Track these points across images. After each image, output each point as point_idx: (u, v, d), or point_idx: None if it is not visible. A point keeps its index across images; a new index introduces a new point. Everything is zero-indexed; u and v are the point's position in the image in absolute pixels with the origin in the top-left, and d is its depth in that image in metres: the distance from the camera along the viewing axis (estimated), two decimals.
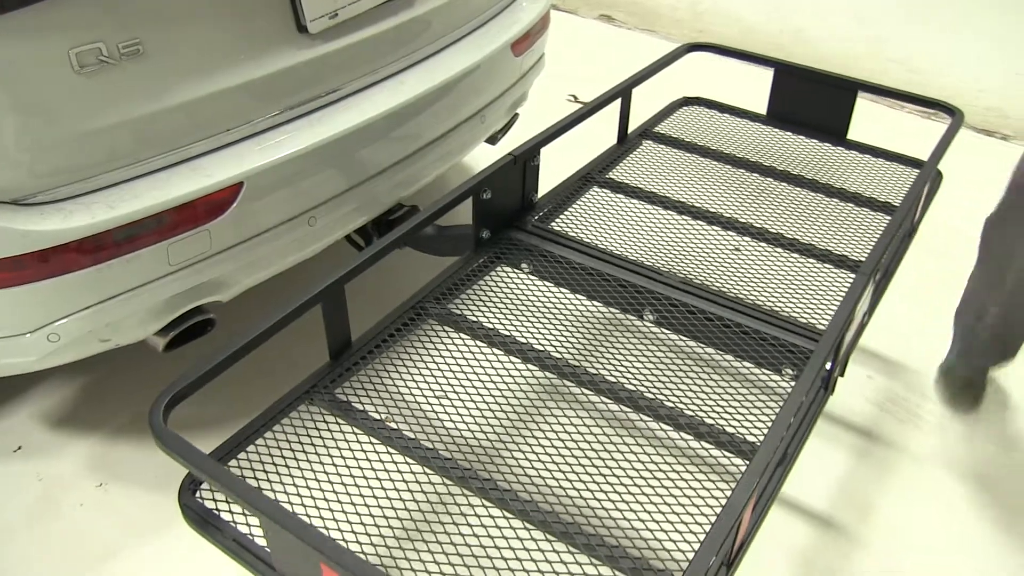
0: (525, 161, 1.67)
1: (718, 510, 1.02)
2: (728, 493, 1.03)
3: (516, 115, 2.26)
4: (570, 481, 1.35)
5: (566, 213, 1.82)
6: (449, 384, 1.41)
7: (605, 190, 1.91)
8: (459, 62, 1.84)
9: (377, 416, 1.33)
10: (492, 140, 2.26)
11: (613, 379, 1.42)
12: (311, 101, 1.60)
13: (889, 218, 1.82)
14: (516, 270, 1.66)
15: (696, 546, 1.03)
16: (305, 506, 1.21)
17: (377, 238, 1.94)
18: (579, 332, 1.66)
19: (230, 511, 1.17)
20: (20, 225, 1.29)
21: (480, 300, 1.59)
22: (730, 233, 1.80)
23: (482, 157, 2.36)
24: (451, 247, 1.75)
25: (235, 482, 1.02)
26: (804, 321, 1.54)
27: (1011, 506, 1.76)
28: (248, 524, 1.14)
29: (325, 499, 1.22)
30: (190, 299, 1.52)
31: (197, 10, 1.38)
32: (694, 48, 2.13)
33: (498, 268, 1.66)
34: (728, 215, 1.83)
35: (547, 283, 1.64)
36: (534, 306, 1.60)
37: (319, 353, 1.40)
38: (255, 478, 1.24)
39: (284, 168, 1.52)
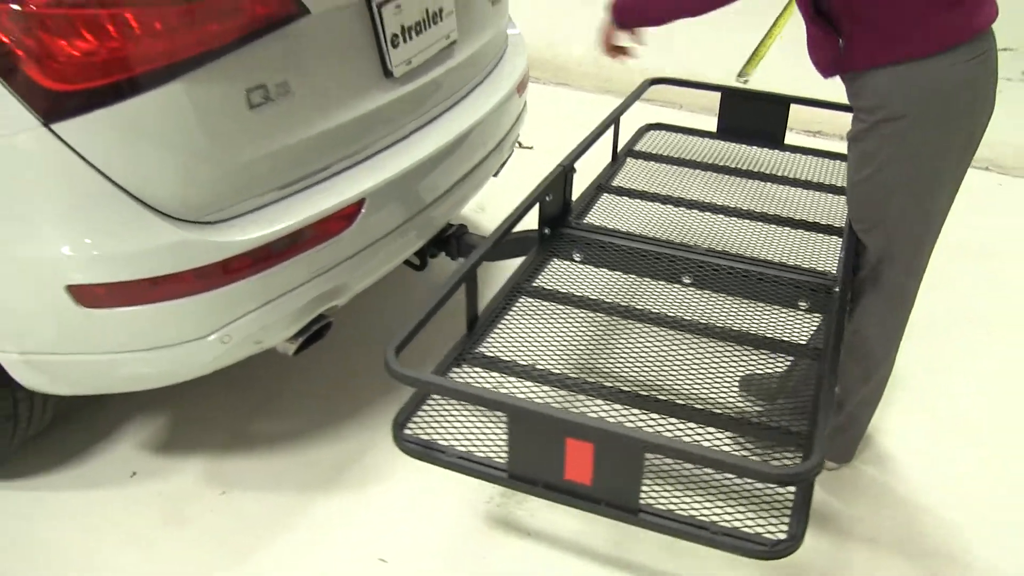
0: (567, 170, 2.05)
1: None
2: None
3: (514, 148, 2.64)
4: (660, 382, 1.70)
5: (593, 212, 2.21)
6: (558, 335, 1.75)
7: (614, 195, 2.31)
8: (489, 100, 2.20)
9: (522, 362, 1.65)
10: (496, 172, 2.62)
11: (671, 315, 1.81)
12: (399, 131, 1.92)
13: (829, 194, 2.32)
14: (571, 260, 2.02)
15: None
16: (495, 429, 1.51)
17: (431, 256, 2.25)
18: (636, 293, 2.03)
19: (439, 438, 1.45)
20: (214, 237, 1.54)
21: (554, 279, 1.95)
22: (719, 216, 2.24)
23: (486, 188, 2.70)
24: (521, 248, 2.07)
25: (475, 388, 1.32)
26: (807, 266, 1.98)
27: None
28: (464, 444, 1.42)
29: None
30: (321, 303, 1.78)
31: (320, 58, 1.69)
32: (655, 82, 2.59)
33: (559, 256, 2.02)
34: (718, 203, 2.28)
35: (601, 267, 2.01)
36: (598, 280, 1.96)
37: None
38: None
39: (391, 187, 1.82)
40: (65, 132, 1.39)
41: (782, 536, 1.27)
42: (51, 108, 1.38)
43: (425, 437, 1.47)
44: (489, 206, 3.00)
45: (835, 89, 1.73)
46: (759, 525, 1.35)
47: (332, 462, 2.03)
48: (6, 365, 1.63)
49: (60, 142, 1.40)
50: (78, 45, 1.36)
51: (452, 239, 2.21)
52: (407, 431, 1.47)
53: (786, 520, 1.32)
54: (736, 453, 1.52)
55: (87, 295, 1.50)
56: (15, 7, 1.32)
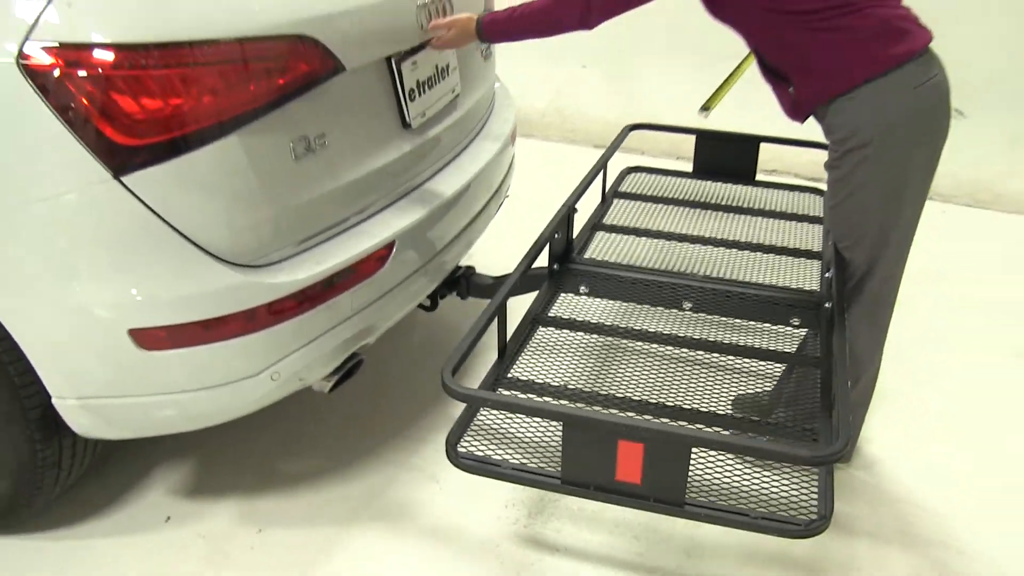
0: (571, 211, 2.21)
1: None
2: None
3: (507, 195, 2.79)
4: (675, 389, 1.84)
5: (592, 248, 2.37)
6: (578, 358, 1.88)
7: (608, 232, 2.48)
8: (490, 148, 2.37)
9: (553, 383, 1.78)
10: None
11: (680, 336, 1.97)
12: (416, 179, 2.06)
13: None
14: (577, 293, 2.18)
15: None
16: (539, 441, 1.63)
17: (440, 298, 2.38)
18: (644, 319, 2.18)
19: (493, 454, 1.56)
20: (265, 280, 1.64)
21: (567, 310, 2.09)
22: (705, 246, 2.42)
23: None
24: (534, 283, 2.21)
25: (532, 402, 1.44)
26: (794, 286, 2.16)
27: None
28: (517, 456, 1.54)
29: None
30: (356, 341, 1.89)
31: (351, 111, 1.82)
32: (635, 127, 2.79)
33: (566, 290, 2.17)
34: (701, 234, 2.46)
35: (606, 298, 2.17)
36: (606, 309, 2.11)
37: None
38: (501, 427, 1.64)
39: (416, 229, 1.96)
40: (133, 184, 1.50)
41: (814, 517, 1.42)
42: (120, 162, 1.48)
43: (479, 454, 1.58)
44: (474, 250, 3.15)
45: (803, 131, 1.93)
46: (790, 510, 1.50)
47: (360, 497, 2.11)
48: (62, 411, 1.69)
49: (128, 193, 1.50)
50: (144, 103, 1.48)
51: (462, 279, 2.34)
52: (461, 449, 1.58)
53: (812, 504, 1.46)
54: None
55: (148, 338, 1.59)
56: (85, 70, 1.43)
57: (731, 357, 1.96)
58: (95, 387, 1.65)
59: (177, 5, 1.50)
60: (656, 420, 1.65)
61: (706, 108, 2.47)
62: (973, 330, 2.83)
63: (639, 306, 2.19)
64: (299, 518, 2.05)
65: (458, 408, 2.32)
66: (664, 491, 1.43)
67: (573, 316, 2.08)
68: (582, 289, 2.19)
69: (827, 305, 1.99)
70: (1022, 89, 3.63)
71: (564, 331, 2.03)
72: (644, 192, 2.72)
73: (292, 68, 1.64)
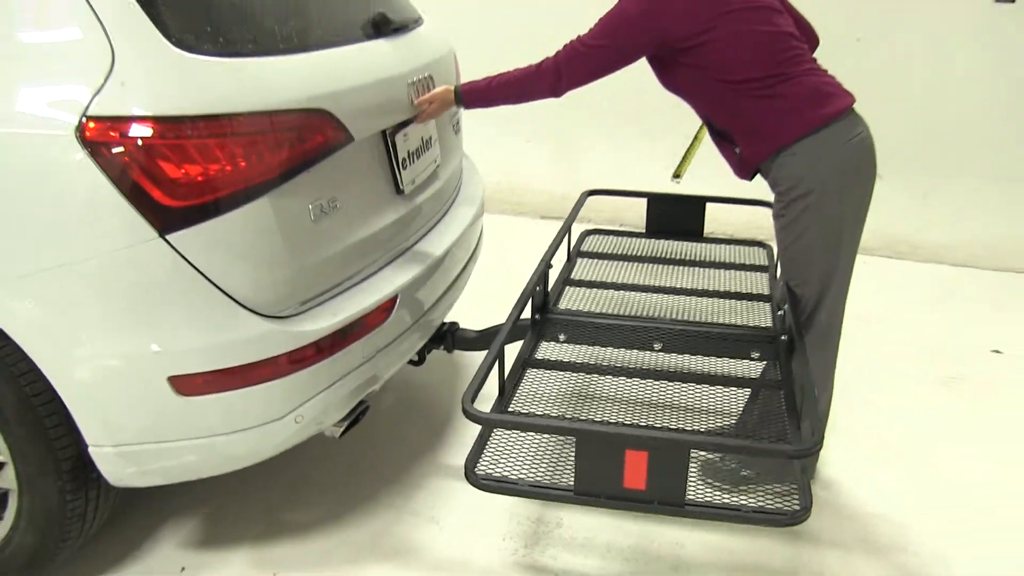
0: (547, 267, 2.44)
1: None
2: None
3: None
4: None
5: (564, 301, 2.59)
6: (567, 394, 2.08)
7: (576, 287, 2.71)
8: (466, 213, 2.59)
9: (551, 412, 1.97)
10: None
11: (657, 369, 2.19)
12: (408, 241, 2.26)
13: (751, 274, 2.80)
14: (557, 340, 2.39)
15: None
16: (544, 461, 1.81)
17: (427, 353, 2.55)
18: (620, 359, 2.39)
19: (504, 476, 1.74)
20: (290, 328, 1.81)
21: (552, 354, 2.29)
22: (664, 295, 2.67)
23: None
24: (520, 333, 2.40)
25: (547, 419, 1.63)
26: (752, 324, 2.42)
27: None
28: (528, 474, 1.71)
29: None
30: (365, 388, 2.05)
31: (356, 178, 2.03)
32: (592, 193, 3.06)
33: (547, 338, 2.38)
34: (660, 284, 2.71)
35: (583, 343, 2.38)
36: (586, 353, 2.33)
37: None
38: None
39: (413, 286, 2.15)
40: (176, 241, 1.66)
41: (797, 508, 1.63)
42: (166, 222, 1.65)
43: (496, 475, 1.75)
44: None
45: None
46: (775, 504, 1.70)
47: (365, 541, 2.23)
48: (98, 459, 1.80)
49: (171, 250, 1.66)
50: (186, 169, 1.65)
51: (447, 334, 2.53)
52: (477, 471, 1.75)
53: (794, 499, 1.68)
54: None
55: (187, 384, 1.73)
56: (135, 140, 1.60)
57: (702, 386, 2.18)
58: (133, 434, 1.77)
59: (213, 82, 1.70)
60: (658, 429, 1.85)
61: (676, 176, 2.74)
62: (903, 365, 3.14)
63: (617, 350, 2.40)
64: (310, 563, 2.16)
65: (444, 456, 2.51)
66: (667, 494, 1.62)
67: (560, 358, 2.29)
68: (561, 337, 2.39)
69: (783, 337, 2.24)
70: (929, 152, 4.07)
71: (552, 371, 2.23)
72: (604, 251, 2.97)
73: (311, 138, 1.84)
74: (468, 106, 2.21)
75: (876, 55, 4.00)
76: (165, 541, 2.22)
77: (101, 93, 1.61)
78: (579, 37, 2.04)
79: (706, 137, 2.33)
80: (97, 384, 1.72)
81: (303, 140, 1.82)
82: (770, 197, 2.16)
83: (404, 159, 2.21)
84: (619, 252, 2.97)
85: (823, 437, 1.58)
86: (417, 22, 2.50)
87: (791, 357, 2.17)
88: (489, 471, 1.79)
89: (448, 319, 2.59)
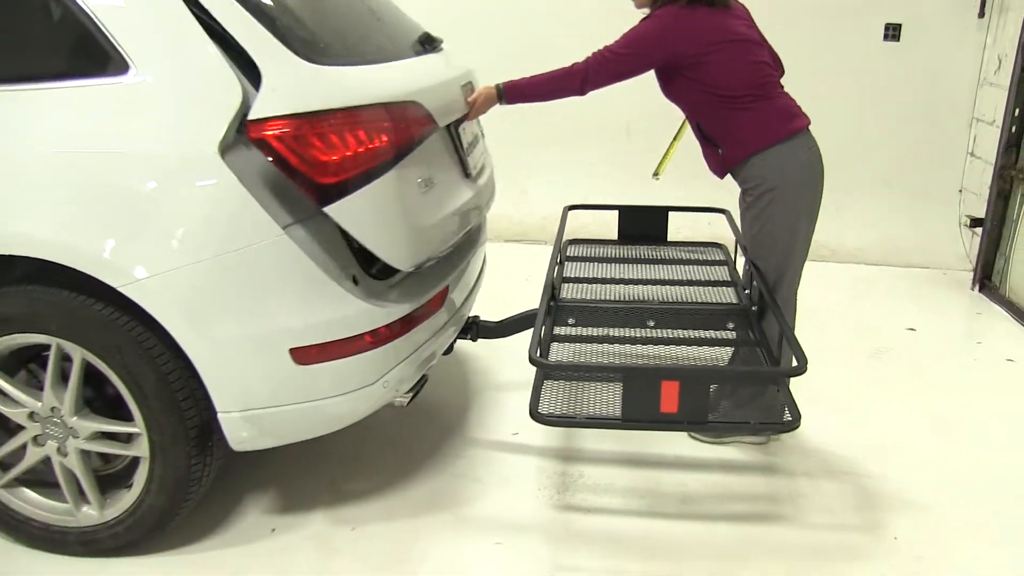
0: (557, 265, 2.92)
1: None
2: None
3: None
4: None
5: (564, 293, 3.08)
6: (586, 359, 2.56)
7: (570, 283, 3.20)
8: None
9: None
10: None
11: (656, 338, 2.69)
12: (474, 220, 2.69)
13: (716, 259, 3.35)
14: (567, 325, 2.86)
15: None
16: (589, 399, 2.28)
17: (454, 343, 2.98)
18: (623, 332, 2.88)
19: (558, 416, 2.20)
20: (384, 306, 2.22)
21: (568, 332, 2.77)
22: (647, 286, 3.18)
23: None
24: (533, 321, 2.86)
25: (598, 363, 2.09)
26: (726, 301, 2.95)
27: None
28: (581, 413, 2.17)
29: None
30: (427, 363, 2.47)
31: (440, 159, 2.45)
32: (571, 208, 3.57)
33: (560, 322, 2.85)
34: (640, 278, 3.22)
35: (590, 326, 2.86)
36: (593, 330, 2.81)
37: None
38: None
39: (456, 277, 2.60)
40: (332, 212, 2.07)
41: (789, 419, 2.13)
42: (322, 196, 2.05)
43: (558, 413, 2.20)
44: None
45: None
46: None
47: (423, 498, 2.63)
48: (226, 424, 2.16)
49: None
50: (333, 152, 2.04)
51: (473, 325, 2.97)
52: (541, 411, 2.20)
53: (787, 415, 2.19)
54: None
55: (304, 355, 2.12)
56: (290, 132, 2.01)
57: (692, 347, 2.71)
58: (257, 399, 2.15)
59: (337, 84, 2.12)
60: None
61: (656, 174, 3.26)
62: (839, 343, 3.74)
63: (618, 329, 2.90)
64: (379, 518, 2.54)
65: (473, 432, 2.96)
66: (694, 415, 2.11)
67: (576, 332, 2.77)
68: (571, 320, 2.87)
69: (754, 308, 2.78)
70: (836, 169, 4.72)
71: (571, 344, 2.70)
72: (587, 255, 3.47)
73: (412, 124, 2.26)
74: (509, 101, 2.65)
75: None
76: (250, 510, 2.57)
77: (259, 99, 2.01)
78: (606, 47, 2.55)
79: (681, 141, 2.87)
80: (230, 358, 2.10)
81: (407, 125, 2.24)
82: (724, 202, 2.69)
83: (466, 147, 2.67)
84: (599, 256, 3.48)
85: (807, 362, 2.10)
86: (443, 42, 2.97)
87: (760, 324, 2.70)
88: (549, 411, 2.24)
89: None
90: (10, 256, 2.08)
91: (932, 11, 4.60)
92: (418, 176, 2.29)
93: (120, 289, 2.04)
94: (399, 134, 2.20)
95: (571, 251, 3.54)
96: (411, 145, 2.24)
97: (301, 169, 2.03)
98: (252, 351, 2.11)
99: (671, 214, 3.52)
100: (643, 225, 3.54)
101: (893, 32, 4.66)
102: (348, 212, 2.10)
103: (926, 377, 3.49)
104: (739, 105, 2.54)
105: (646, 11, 2.61)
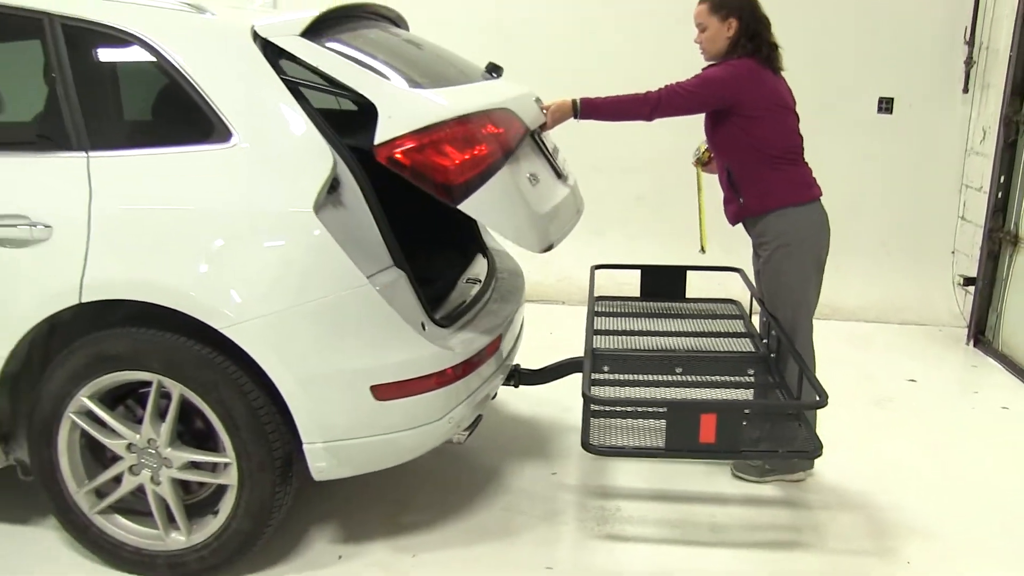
0: (593, 318, 3.21)
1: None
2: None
3: None
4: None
5: (600, 343, 3.36)
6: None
7: (603, 336, 3.48)
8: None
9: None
10: None
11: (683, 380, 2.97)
12: (570, 221, 2.91)
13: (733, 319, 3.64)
14: (602, 372, 3.14)
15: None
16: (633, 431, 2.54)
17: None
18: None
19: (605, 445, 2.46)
20: (453, 348, 2.49)
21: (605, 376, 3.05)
22: (672, 337, 3.46)
23: None
24: (574, 367, 3.13)
25: (643, 399, 2.36)
26: (744, 350, 3.23)
27: None
28: (627, 440, 2.43)
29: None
30: (483, 404, 2.73)
31: (535, 159, 2.75)
32: (598, 267, 3.87)
33: (596, 370, 3.13)
34: (662, 330, 3.50)
35: (622, 373, 3.14)
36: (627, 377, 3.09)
37: None
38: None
39: (506, 324, 2.87)
40: (466, 207, 2.36)
41: (811, 448, 2.40)
42: (455, 194, 2.34)
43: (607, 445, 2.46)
44: None
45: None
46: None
47: (474, 528, 2.86)
48: (309, 453, 2.41)
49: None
50: (456, 156, 2.34)
51: (515, 372, 3.23)
52: (592, 443, 2.46)
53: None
54: None
55: (382, 391, 2.39)
56: (417, 146, 2.32)
57: (719, 390, 2.98)
58: (339, 431, 2.40)
59: (441, 101, 2.43)
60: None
61: (703, 250, 3.57)
62: (845, 392, 3.99)
63: (647, 376, 3.17)
64: (438, 546, 2.76)
65: (511, 470, 3.20)
66: (729, 444, 2.37)
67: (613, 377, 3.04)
68: (606, 368, 3.14)
69: (772, 355, 3.06)
70: (836, 232, 5.08)
71: (611, 386, 2.98)
72: (613, 311, 3.76)
73: (509, 127, 2.56)
74: (582, 116, 2.93)
75: None
76: (316, 540, 2.79)
77: (381, 126, 2.33)
78: (678, 83, 2.88)
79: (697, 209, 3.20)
80: (317, 393, 2.36)
81: (507, 128, 2.55)
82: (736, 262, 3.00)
83: (551, 152, 2.97)
84: (626, 311, 3.77)
85: (827, 396, 2.37)
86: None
87: (780, 368, 2.98)
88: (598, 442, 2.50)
89: None
90: (118, 300, 2.35)
91: (921, 86, 5.01)
92: (526, 171, 2.59)
93: (223, 331, 2.31)
94: (503, 135, 2.49)
95: (600, 307, 3.83)
96: (514, 145, 2.54)
97: (431, 176, 2.34)
98: (337, 387, 2.37)
99: (688, 273, 3.83)
100: (663, 283, 3.84)
101: (886, 105, 5.07)
102: (479, 206, 2.38)
103: (928, 422, 3.76)
104: (771, 164, 2.88)
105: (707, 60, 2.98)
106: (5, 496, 2.93)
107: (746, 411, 2.35)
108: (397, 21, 3.21)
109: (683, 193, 3.86)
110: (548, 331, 4.70)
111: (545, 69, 4.94)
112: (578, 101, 2.93)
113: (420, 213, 2.94)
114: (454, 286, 3.01)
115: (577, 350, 3.22)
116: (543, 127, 2.95)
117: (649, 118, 2.91)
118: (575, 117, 2.95)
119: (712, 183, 3.28)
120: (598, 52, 5.25)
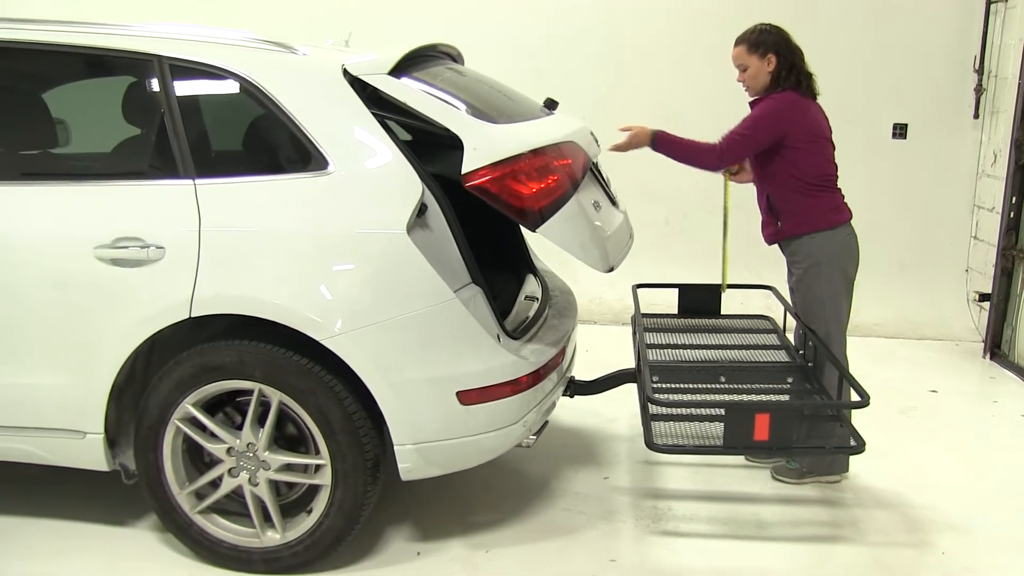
0: (643, 333, 3.45)
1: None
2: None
3: None
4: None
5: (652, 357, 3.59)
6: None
7: (649, 349, 3.71)
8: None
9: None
10: None
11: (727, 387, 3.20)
12: (626, 247, 3.15)
13: (769, 334, 3.88)
14: (653, 380, 3.37)
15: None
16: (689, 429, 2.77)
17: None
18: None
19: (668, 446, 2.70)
20: (527, 357, 2.73)
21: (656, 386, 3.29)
22: (712, 350, 3.69)
23: None
24: (627, 378, 3.36)
25: (703, 401, 2.60)
26: (781, 360, 3.46)
27: None
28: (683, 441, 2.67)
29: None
30: (550, 409, 2.96)
31: (595, 190, 3.03)
32: (640, 286, 4.11)
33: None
34: (703, 343, 3.73)
35: (670, 381, 3.37)
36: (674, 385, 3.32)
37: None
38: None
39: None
40: (543, 230, 2.60)
41: (855, 444, 2.63)
42: (533, 219, 2.58)
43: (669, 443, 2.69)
44: None
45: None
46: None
47: (538, 527, 3.08)
48: (400, 454, 2.63)
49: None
50: (533, 185, 2.59)
51: (569, 383, 3.46)
52: (656, 442, 2.69)
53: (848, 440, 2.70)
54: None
55: (467, 396, 2.62)
56: (499, 175, 2.56)
57: (763, 395, 3.21)
58: (427, 434, 2.62)
59: (516, 135, 2.68)
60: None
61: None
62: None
63: (694, 384, 3.40)
64: (509, 543, 2.98)
65: (565, 474, 3.41)
66: (781, 441, 2.60)
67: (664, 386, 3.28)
68: (655, 378, 3.38)
69: (809, 364, 3.30)
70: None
71: (663, 394, 3.21)
72: (656, 327, 4.00)
73: (576, 158, 2.81)
74: (656, 147, 3.18)
75: None
76: (393, 538, 3.01)
77: (469, 156, 2.58)
78: (732, 131, 3.14)
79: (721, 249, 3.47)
80: (408, 399, 2.59)
81: (575, 159, 2.79)
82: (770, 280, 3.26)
83: (606, 182, 3.22)
84: (666, 327, 4.00)
85: (868, 396, 2.61)
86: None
87: (816, 376, 3.22)
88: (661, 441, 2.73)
89: None
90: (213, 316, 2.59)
91: (934, 113, 5.30)
92: (591, 199, 2.84)
93: (323, 342, 2.54)
94: (571, 166, 2.75)
95: (646, 324, 4.06)
96: (581, 175, 2.79)
97: (512, 202, 2.58)
98: (427, 393, 2.60)
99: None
100: (699, 301, 4.08)
101: (900, 131, 5.35)
102: (554, 230, 2.62)
103: (951, 429, 4.00)
104: (809, 191, 3.13)
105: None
106: (99, 501, 3.15)
107: (801, 411, 2.57)
108: (457, 58, 3.47)
109: (707, 219, 4.09)
110: (584, 349, 4.92)
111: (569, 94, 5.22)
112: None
113: (477, 237, 3.18)
114: (514, 303, 3.24)
115: (613, 366, 3.48)
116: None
117: (715, 168, 3.20)
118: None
119: (737, 218, 3.57)
120: (617, 76, 5.53)
